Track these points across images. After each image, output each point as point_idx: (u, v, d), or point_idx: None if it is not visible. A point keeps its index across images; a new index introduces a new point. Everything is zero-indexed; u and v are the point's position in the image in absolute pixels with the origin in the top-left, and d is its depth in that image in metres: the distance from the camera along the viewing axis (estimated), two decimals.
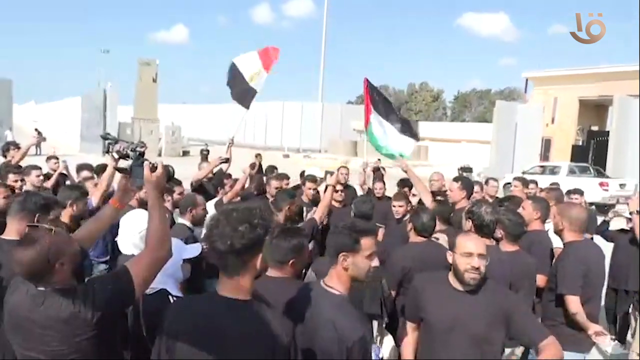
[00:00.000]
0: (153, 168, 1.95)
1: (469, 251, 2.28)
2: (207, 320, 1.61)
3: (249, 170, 5.33)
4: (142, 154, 2.19)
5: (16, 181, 4.47)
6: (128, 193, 2.26)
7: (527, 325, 2.30)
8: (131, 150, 2.19)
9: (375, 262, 1.95)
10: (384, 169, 6.99)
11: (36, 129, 8.66)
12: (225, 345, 1.57)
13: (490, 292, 2.34)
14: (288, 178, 5.82)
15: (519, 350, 3.98)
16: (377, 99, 6.22)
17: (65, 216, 3.30)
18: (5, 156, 6.22)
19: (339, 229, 1.97)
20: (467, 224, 3.27)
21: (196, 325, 1.61)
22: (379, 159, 7.79)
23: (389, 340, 3.09)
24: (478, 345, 2.27)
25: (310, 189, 5.30)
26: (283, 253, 2.28)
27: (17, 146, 6.30)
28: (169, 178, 4.61)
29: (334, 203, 5.43)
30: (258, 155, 9.41)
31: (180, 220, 3.59)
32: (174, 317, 1.68)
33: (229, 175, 5.62)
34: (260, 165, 8.67)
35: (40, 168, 5.03)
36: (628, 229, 4.92)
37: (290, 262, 2.26)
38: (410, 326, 2.63)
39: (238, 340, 1.57)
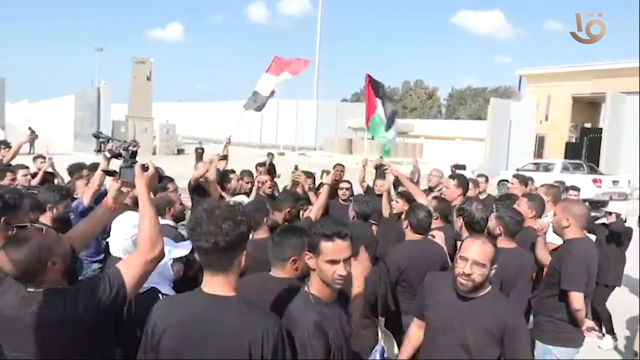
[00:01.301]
0: (144, 168, 1.93)
1: (464, 255, 2.22)
2: (191, 317, 1.60)
3: (216, 158, 4.69)
4: (134, 153, 2.15)
5: (13, 179, 4.43)
6: (122, 193, 2.19)
7: (516, 344, 2.20)
8: (124, 150, 2.14)
9: (342, 271, 1.80)
10: (385, 166, 6.95)
11: (30, 128, 8.59)
12: (210, 343, 1.56)
13: (492, 301, 2.27)
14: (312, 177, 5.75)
15: None
16: (380, 92, 6.32)
17: (46, 219, 3.19)
18: None
19: (312, 228, 1.93)
20: (458, 221, 3.26)
21: (180, 323, 1.60)
22: (381, 157, 7.74)
23: (390, 340, 3.07)
24: (468, 353, 2.23)
25: (304, 184, 5.30)
26: (282, 250, 2.24)
27: (7, 145, 6.24)
28: (160, 178, 4.53)
29: (340, 201, 5.46)
30: (270, 154, 9.36)
31: (162, 221, 3.55)
32: (158, 315, 1.67)
33: (232, 172, 5.51)
34: (272, 164, 8.56)
35: (28, 167, 5.00)
36: (608, 223, 5.01)
37: (291, 260, 2.21)
38: (415, 323, 2.62)
39: (223, 337, 1.56)
